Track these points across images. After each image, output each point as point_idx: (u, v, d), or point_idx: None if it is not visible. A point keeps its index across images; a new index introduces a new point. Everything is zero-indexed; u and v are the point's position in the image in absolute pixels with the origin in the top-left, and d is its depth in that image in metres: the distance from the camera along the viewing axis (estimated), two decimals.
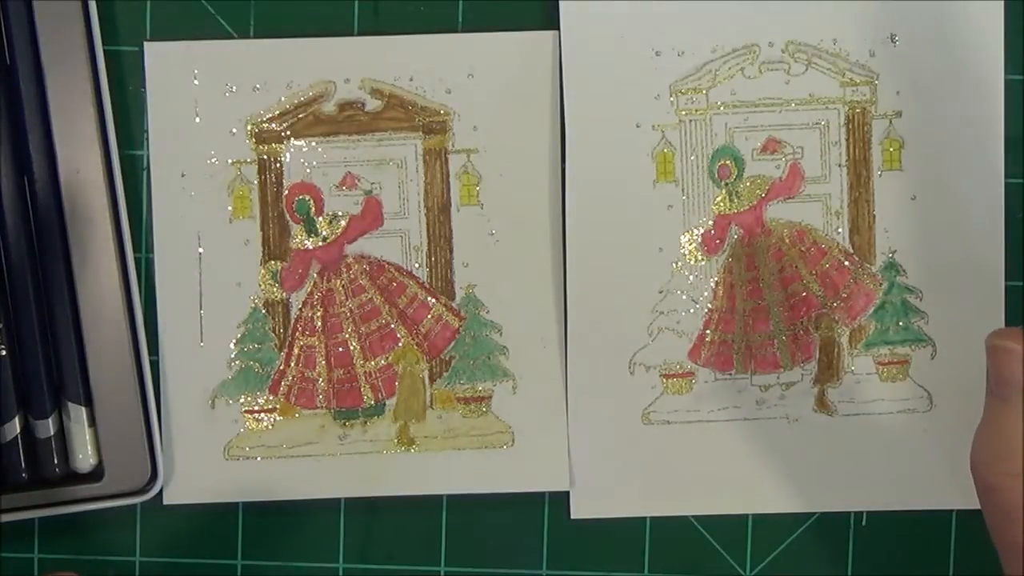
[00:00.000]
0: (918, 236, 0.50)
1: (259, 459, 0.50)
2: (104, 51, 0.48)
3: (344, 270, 0.50)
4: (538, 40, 0.49)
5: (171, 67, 0.49)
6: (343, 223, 0.50)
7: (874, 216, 0.50)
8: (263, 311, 0.50)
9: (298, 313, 0.50)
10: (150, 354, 0.49)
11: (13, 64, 0.47)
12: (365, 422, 0.50)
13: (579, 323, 0.50)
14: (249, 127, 0.49)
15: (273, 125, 0.50)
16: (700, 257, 0.50)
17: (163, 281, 0.50)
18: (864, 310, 0.50)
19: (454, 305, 0.50)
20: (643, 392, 0.50)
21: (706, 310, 0.50)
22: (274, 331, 0.50)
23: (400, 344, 0.50)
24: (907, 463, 0.50)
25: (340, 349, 0.50)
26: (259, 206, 0.50)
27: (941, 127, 0.49)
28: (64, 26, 0.47)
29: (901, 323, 0.50)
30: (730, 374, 0.50)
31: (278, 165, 0.50)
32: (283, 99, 0.49)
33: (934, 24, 0.49)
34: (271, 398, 0.50)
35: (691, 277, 0.50)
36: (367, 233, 0.50)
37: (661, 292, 0.50)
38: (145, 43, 0.49)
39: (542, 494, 0.51)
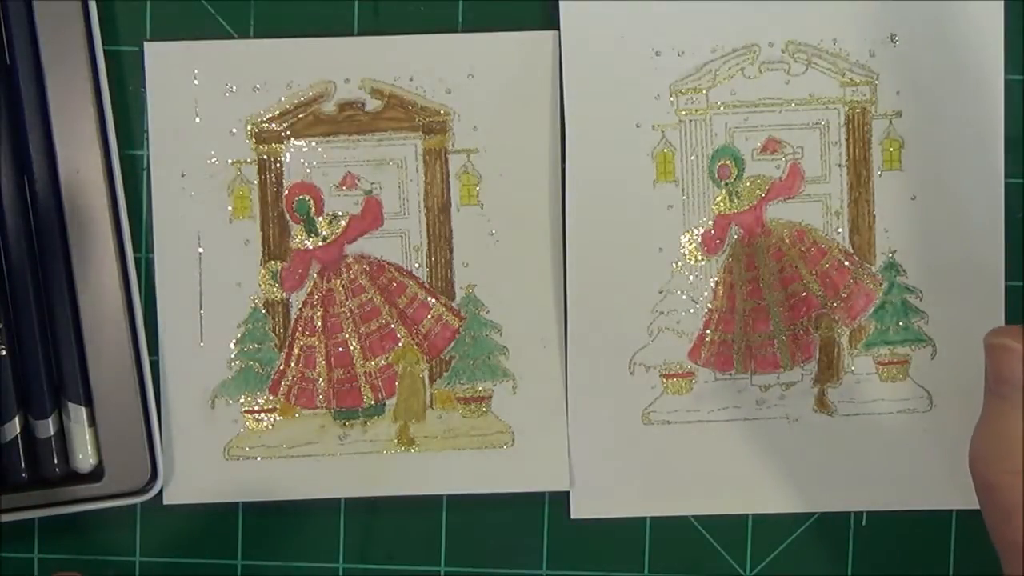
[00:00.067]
0: (918, 236, 0.50)
1: (259, 459, 0.50)
2: (104, 51, 0.48)
3: (344, 270, 0.50)
4: (538, 40, 0.49)
5: (171, 67, 0.49)
6: (343, 223, 0.50)
7: (874, 216, 0.50)
8: (263, 311, 0.50)
9: (298, 313, 0.50)
10: (150, 354, 0.49)
11: (13, 64, 0.47)
12: (365, 422, 0.50)
13: (579, 323, 0.50)
14: (249, 127, 0.49)
15: (273, 125, 0.50)
16: (700, 257, 0.50)
17: (163, 281, 0.50)
18: (864, 310, 0.50)
19: (454, 305, 0.50)
20: (643, 392, 0.50)
21: (706, 310, 0.50)
22: (274, 331, 0.50)
23: (400, 344, 0.50)
24: (907, 463, 0.50)
25: (340, 349, 0.50)
26: (259, 206, 0.50)
27: (941, 127, 0.49)
28: (64, 26, 0.47)
29: (901, 323, 0.50)
30: (730, 374, 0.50)
31: (278, 165, 0.50)
32: (283, 99, 0.49)
33: (934, 24, 0.49)
34: (271, 398, 0.50)
35: (691, 277, 0.50)
36: (367, 233, 0.50)
37: (661, 292, 0.50)
38: (145, 43, 0.49)
39: (542, 494, 0.51)
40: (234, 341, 0.50)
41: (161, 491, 0.49)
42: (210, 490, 0.50)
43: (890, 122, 0.50)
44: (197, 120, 0.49)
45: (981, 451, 0.41)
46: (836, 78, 0.50)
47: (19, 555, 0.51)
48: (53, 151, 0.48)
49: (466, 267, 0.50)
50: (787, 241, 0.50)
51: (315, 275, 0.50)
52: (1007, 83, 0.49)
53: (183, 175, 0.49)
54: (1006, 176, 0.50)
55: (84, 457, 0.48)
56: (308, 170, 0.50)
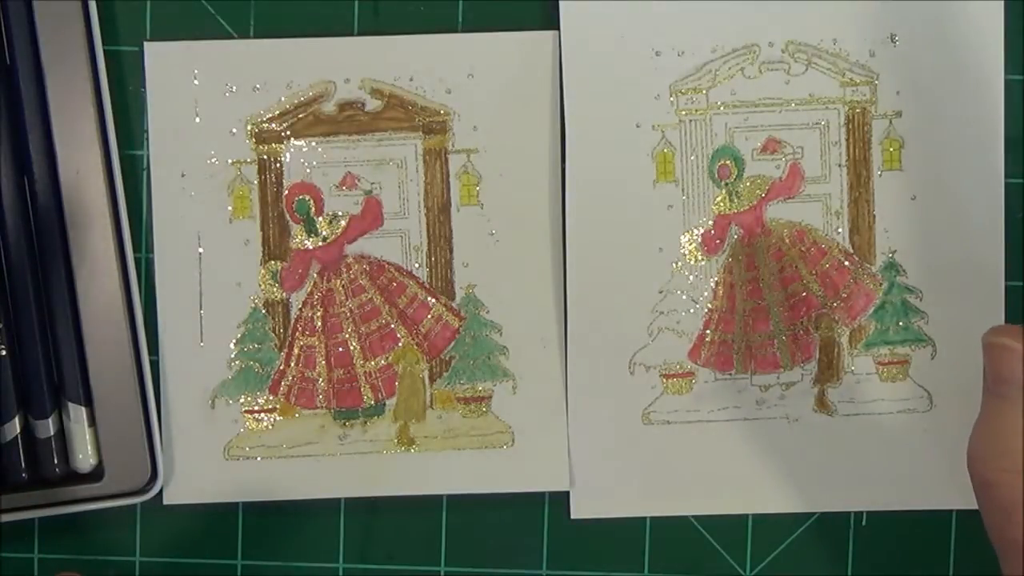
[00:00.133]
0: (918, 236, 0.50)
1: (259, 459, 0.50)
2: (104, 51, 0.48)
3: (344, 270, 0.50)
4: (538, 40, 0.49)
5: (171, 67, 0.49)
6: (343, 223, 0.50)
7: (874, 216, 0.50)
8: (263, 311, 0.50)
9: (298, 313, 0.50)
10: (150, 354, 0.49)
11: (13, 64, 0.47)
12: (365, 422, 0.50)
13: (579, 323, 0.50)
14: (249, 127, 0.49)
15: (273, 125, 0.50)
16: (700, 257, 0.50)
17: (163, 281, 0.50)
18: (864, 310, 0.50)
19: (454, 305, 0.50)
20: (643, 392, 0.50)
21: (706, 310, 0.50)
22: (274, 331, 0.50)
23: (400, 344, 0.50)
24: (907, 463, 0.50)
25: (340, 349, 0.50)
26: (259, 206, 0.50)
27: (941, 127, 0.49)
28: (64, 26, 0.47)
29: (901, 323, 0.50)
30: (730, 374, 0.50)
31: (278, 165, 0.50)
32: (283, 99, 0.49)
33: (934, 24, 0.49)
34: (271, 398, 0.50)
35: (691, 277, 0.50)
36: (367, 233, 0.50)
37: (661, 292, 0.50)
38: (145, 43, 0.49)
39: (542, 494, 0.51)
40: (234, 341, 0.50)
41: (161, 491, 0.49)
42: (210, 490, 0.50)
43: (890, 122, 0.50)
44: (197, 120, 0.49)
45: (980, 450, 0.41)
46: (836, 78, 0.50)
47: (19, 555, 0.51)
48: (53, 151, 0.48)
49: (466, 267, 0.50)
50: (787, 241, 0.50)
51: (315, 275, 0.50)
52: (1007, 83, 0.49)
53: (183, 175, 0.49)
54: (1006, 176, 0.50)
55: (84, 457, 0.48)
56: (308, 170, 0.50)
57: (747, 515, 0.51)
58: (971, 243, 0.50)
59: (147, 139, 0.49)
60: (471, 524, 0.51)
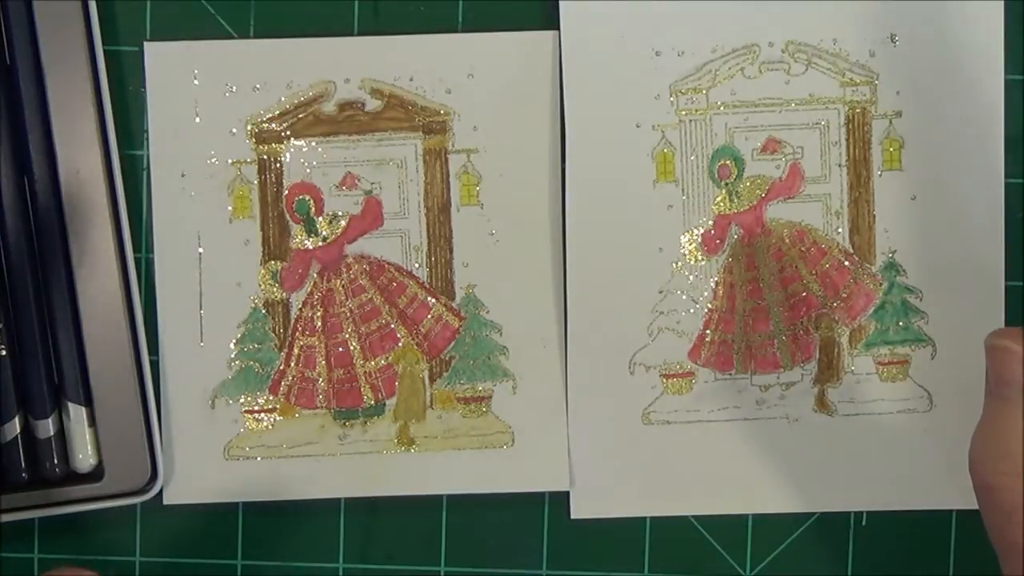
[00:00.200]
0: (918, 236, 0.50)
1: (259, 459, 0.50)
2: (104, 51, 0.48)
3: (344, 270, 0.50)
4: (538, 40, 0.49)
5: (171, 67, 0.49)
6: (343, 223, 0.50)
7: (874, 216, 0.50)
8: (263, 311, 0.50)
9: (298, 313, 0.50)
10: (150, 354, 0.49)
11: (13, 64, 0.47)
12: (365, 422, 0.50)
13: (579, 323, 0.50)
14: (249, 127, 0.49)
15: (273, 125, 0.50)
16: (700, 257, 0.50)
17: (163, 281, 0.50)
18: (864, 310, 0.50)
19: (454, 305, 0.50)
20: (643, 392, 0.50)
21: (706, 310, 0.50)
22: (274, 331, 0.50)
23: (400, 344, 0.50)
24: (907, 463, 0.50)
25: (340, 349, 0.50)
26: (259, 206, 0.50)
27: (941, 127, 0.49)
28: (64, 26, 0.47)
29: (901, 323, 0.50)
30: (730, 374, 0.50)
31: (278, 165, 0.50)
32: (283, 99, 0.49)
33: (934, 24, 0.49)
34: (271, 398, 0.50)
35: (691, 277, 0.50)
36: (367, 233, 0.50)
37: (661, 292, 0.50)
38: (145, 43, 0.49)
39: (542, 494, 0.51)
40: (234, 341, 0.50)
41: (161, 491, 0.49)
42: (210, 490, 0.50)
43: (890, 122, 0.50)
44: (197, 120, 0.49)
45: (981, 452, 0.41)
46: (836, 78, 0.50)
47: (19, 555, 0.51)
48: (53, 151, 0.48)
49: (466, 267, 0.50)
50: (787, 241, 0.50)
51: (315, 275, 0.50)
52: (1007, 83, 0.49)
53: (183, 175, 0.49)
54: (1006, 176, 0.50)
55: (84, 457, 0.48)
56: (308, 170, 0.50)
57: (747, 515, 0.51)
58: (971, 243, 0.50)
59: (147, 139, 0.49)
60: (471, 524, 0.51)
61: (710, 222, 0.50)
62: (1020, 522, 0.40)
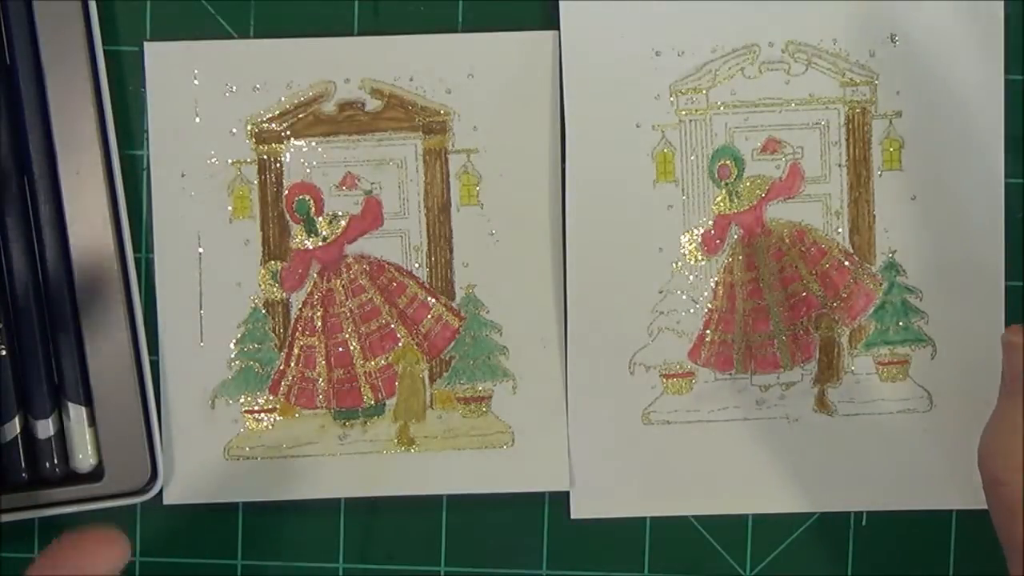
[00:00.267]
0: (918, 236, 0.50)
1: (259, 459, 0.50)
2: (104, 51, 0.48)
3: (344, 270, 0.50)
4: (538, 40, 0.49)
5: (171, 67, 0.49)
6: (343, 223, 0.50)
7: (874, 216, 0.50)
8: (263, 311, 0.50)
9: (298, 313, 0.50)
10: (150, 354, 0.49)
11: (13, 64, 0.47)
12: (365, 422, 0.50)
13: (579, 323, 0.50)
14: (249, 127, 0.49)
15: (273, 125, 0.50)
16: (700, 257, 0.50)
17: (163, 281, 0.50)
18: (864, 310, 0.50)
19: (454, 305, 0.50)
20: (643, 392, 0.50)
21: (706, 310, 0.50)
22: (274, 331, 0.50)
23: (400, 344, 0.50)
24: (907, 463, 0.50)
25: (340, 349, 0.50)
26: (259, 206, 0.50)
27: (941, 127, 0.49)
28: (64, 26, 0.47)
29: (901, 323, 0.50)
30: (730, 374, 0.50)
31: (278, 165, 0.50)
32: (283, 99, 0.49)
33: (934, 24, 0.49)
34: (271, 398, 0.50)
35: (691, 277, 0.50)
36: (367, 233, 0.50)
37: (661, 292, 0.50)
38: (145, 43, 0.49)
39: (542, 494, 0.51)
40: (234, 341, 0.50)
41: (161, 491, 0.49)
42: (210, 490, 0.50)
43: (890, 122, 0.50)
44: (197, 120, 0.49)
45: (991, 447, 0.41)
46: (836, 78, 0.50)
47: (19, 555, 0.51)
48: (53, 151, 0.48)
49: (466, 267, 0.50)
50: (787, 241, 0.50)
51: (315, 275, 0.50)
52: (1007, 83, 0.49)
53: (183, 175, 0.49)
54: (1006, 176, 0.50)
55: (84, 457, 0.48)
56: (308, 170, 0.50)
57: (747, 515, 0.51)
58: (971, 243, 0.50)
59: (147, 139, 0.49)
60: (471, 524, 0.51)
61: (710, 222, 0.50)
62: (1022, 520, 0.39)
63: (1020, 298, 0.50)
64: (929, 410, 0.50)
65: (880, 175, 0.50)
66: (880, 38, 0.49)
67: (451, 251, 0.50)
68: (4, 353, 0.47)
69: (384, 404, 0.50)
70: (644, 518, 0.51)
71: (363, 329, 0.50)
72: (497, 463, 0.50)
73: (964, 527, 0.51)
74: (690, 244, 0.50)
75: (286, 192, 0.50)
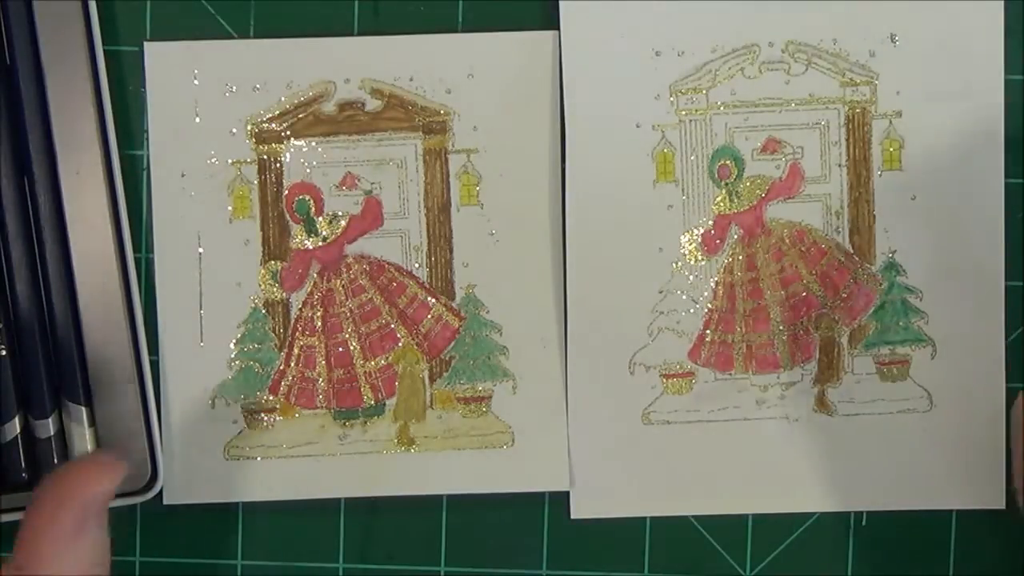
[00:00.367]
0: (918, 236, 0.50)
1: (259, 459, 0.50)
2: (104, 51, 0.48)
3: (344, 270, 0.50)
4: (538, 40, 0.49)
5: (171, 67, 0.49)
6: (343, 223, 0.50)
7: (874, 216, 0.50)
8: (263, 311, 0.50)
9: (298, 313, 0.50)
10: (150, 354, 0.49)
11: (13, 64, 0.47)
12: (365, 422, 0.50)
13: (579, 323, 0.50)
14: (249, 127, 0.49)
15: (273, 125, 0.50)
16: (700, 257, 0.50)
17: (163, 281, 0.50)
18: (864, 310, 0.50)
19: (454, 305, 0.50)
20: (643, 392, 0.50)
21: (706, 310, 0.50)
22: (274, 331, 0.50)
23: (400, 344, 0.50)
24: (907, 463, 0.50)
25: (340, 349, 0.50)
26: (259, 206, 0.50)
27: (941, 127, 0.49)
28: (64, 26, 0.47)
29: (901, 323, 0.50)
30: (730, 374, 0.50)
31: (278, 165, 0.50)
32: (283, 99, 0.49)
33: (934, 24, 0.49)
34: (271, 398, 0.50)
35: (691, 277, 0.50)
36: (367, 233, 0.50)
37: (661, 292, 0.50)
38: (145, 43, 0.49)
39: (542, 494, 0.51)
40: (234, 341, 0.50)
41: (161, 491, 0.49)
42: (210, 490, 0.50)
43: (890, 122, 0.50)
44: (197, 120, 0.49)
45: None
46: (836, 78, 0.50)
47: None
48: (53, 151, 0.48)
49: (466, 267, 0.50)
50: (787, 241, 0.50)
51: (315, 275, 0.50)
52: (1007, 83, 0.49)
53: (183, 175, 0.49)
54: (1006, 176, 0.50)
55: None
56: (308, 170, 0.50)
57: (747, 515, 0.51)
58: (971, 243, 0.50)
59: (147, 139, 0.49)
60: (471, 524, 0.51)
61: (710, 222, 0.50)
62: None
63: (1020, 298, 0.50)
64: (929, 410, 0.50)
65: (880, 175, 0.50)
66: (880, 38, 0.49)
67: (451, 251, 0.50)
68: (4, 353, 0.47)
69: (384, 404, 0.50)
70: (644, 518, 0.51)
71: (363, 329, 0.50)
72: (497, 463, 0.50)
73: (964, 527, 0.51)
74: (690, 244, 0.50)
75: (286, 192, 0.50)
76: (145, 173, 0.50)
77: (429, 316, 0.50)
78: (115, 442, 0.48)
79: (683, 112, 0.50)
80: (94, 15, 0.48)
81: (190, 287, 0.50)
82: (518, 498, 0.50)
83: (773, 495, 0.50)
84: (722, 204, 0.50)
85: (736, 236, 0.50)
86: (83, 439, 0.48)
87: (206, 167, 0.50)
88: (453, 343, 0.50)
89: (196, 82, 0.49)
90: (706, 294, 0.50)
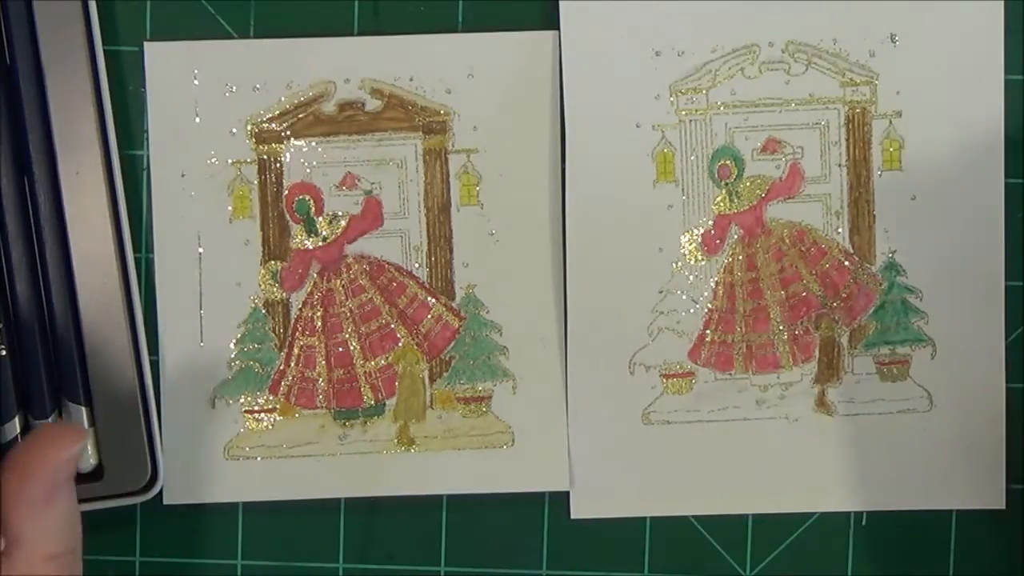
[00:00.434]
0: (918, 236, 0.50)
1: (259, 459, 0.50)
2: (104, 51, 0.48)
3: (344, 270, 0.50)
4: (538, 40, 0.49)
5: (171, 67, 0.49)
6: (343, 223, 0.50)
7: (874, 216, 0.50)
8: (263, 311, 0.50)
9: (298, 313, 0.50)
10: (150, 354, 0.49)
11: (13, 64, 0.47)
12: (365, 422, 0.50)
13: (579, 323, 0.50)
14: (249, 127, 0.50)
15: (273, 125, 0.50)
16: (700, 257, 0.50)
17: (163, 281, 0.50)
18: (864, 310, 0.50)
19: (454, 305, 0.50)
20: (643, 392, 0.50)
21: (706, 310, 0.50)
22: (274, 331, 0.50)
23: (400, 344, 0.50)
24: (907, 463, 0.50)
25: (340, 349, 0.50)
26: (259, 206, 0.50)
27: (941, 127, 0.49)
28: (64, 26, 0.47)
29: (901, 323, 0.50)
30: (730, 374, 0.50)
31: (278, 165, 0.50)
32: (283, 99, 0.49)
33: (934, 24, 0.49)
34: (271, 398, 0.50)
35: (691, 277, 0.50)
36: (367, 233, 0.50)
37: (661, 292, 0.50)
38: (145, 43, 0.49)
39: (542, 494, 0.51)
40: (234, 341, 0.50)
41: (161, 491, 0.49)
42: (210, 490, 0.50)
43: (890, 122, 0.50)
44: (197, 120, 0.49)
45: None
46: (836, 78, 0.50)
47: None
48: (53, 151, 0.48)
49: (466, 267, 0.50)
50: (787, 241, 0.50)
51: (315, 275, 0.50)
52: (1007, 83, 0.49)
53: (183, 175, 0.49)
54: (1006, 176, 0.50)
55: (84, 457, 0.48)
56: (308, 170, 0.50)
57: (747, 515, 0.51)
58: (971, 243, 0.50)
59: (147, 139, 0.49)
60: (471, 524, 0.51)
61: (710, 222, 0.50)
62: None
63: (1020, 298, 0.50)
64: (929, 410, 0.50)
65: (880, 175, 0.50)
66: (880, 38, 0.49)
67: (451, 251, 0.50)
68: (4, 353, 0.47)
69: (384, 404, 0.50)
70: (644, 518, 0.51)
71: (363, 329, 0.50)
72: (497, 463, 0.50)
73: (964, 527, 0.51)
74: (690, 244, 0.50)
75: (286, 192, 0.50)
76: (145, 173, 0.50)
77: (429, 316, 0.50)
78: (115, 442, 0.48)
79: (683, 112, 0.50)
80: (94, 15, 0.48)
81: (190, 287, 0.50)
82: (518, 498, 0.50)
83: (773, 495, 0.50)
84: (722, 204, 0.50)
85: (736, 236, 0.50)
86: None
87: (206, 167, 0.50)
88: (453, 343, 0.50)
89: (196, 82, 0.49)
90: (706, 294, 0.50)
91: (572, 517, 0.50)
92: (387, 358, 0.50)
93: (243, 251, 0.50)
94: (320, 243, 0.50)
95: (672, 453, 0.50)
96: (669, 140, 0.50)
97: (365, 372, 0.50)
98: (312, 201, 0.50)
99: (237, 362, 0.50)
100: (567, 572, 0.51)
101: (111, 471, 0.48)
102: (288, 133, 0.50)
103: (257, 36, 0.50)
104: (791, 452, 0.50)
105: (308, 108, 0.49)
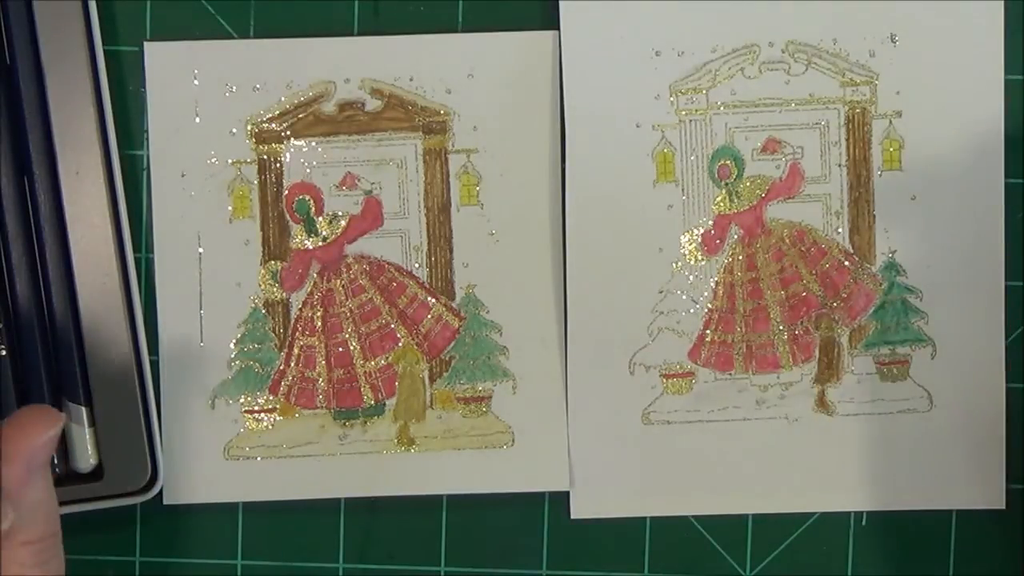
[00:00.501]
0: (918, 236, 0.50)
1: (259, 459, 0.50)
2: (104, 51, 0.48)
3: (344, 270, 0.50)
4: (538, 40, 0.49)
5: (171, 67, 0.49)
6: (343, 223, 0.50)
7: (874, 216, 0.50)
8: (263, 311, 0.50)
9: (298, 313, 0.50)
10: (150, 354, 0.49)
11: (13, 64, 0.47)
12: (365, 422, 0.50)
13: (579, 323, 0.50)
14: (249, 127, 0.50)
15: (273, 125, 0.50)
16: (700, 257, 0.50)
17: (163, 281, 0.50)
18: (864, 310, 0.50)
19: (454, 305, 0.50)
20: (643, 392, 0.50)
21: (706, 310, 0.50)
22: (274, 331, 0.50)
23: (400, 344, 0.50)
24: (907, 463, 0.50)
25: (340, 349, 0.50)
26: (259, 206, 0.50)
27: (941, 127, 0.49)
28: (64, 26, 0.47)
29: (901, 323, 0.50)
30: (730, 374, 0.50)
31: (278, 165, 0.50)
32: (283, 99, 0.49)
33: (934, 24, 0.49)
34: (271, 398, 0.50)
35: (691, 277, 0.50)
36: (367, 233, 0.50)
37: (661, 292, 0.50)
38: (145, 43, 0.49)
39: (542, 494, 0.51)
40: (234, 341, 0.50)
41: (161, 491, 0.49)
42: (210, 490, 0.50)
43: (890, 122, 0.50)
44: (197, 120, 0.49)
45: None
46: (836, 78, 0.50)
47: None
48: (53, 151, 0.48)
49: (466, 267, 0.50)
50: (787, 241, 0.50)
51: (315, 275, 0.50)
52: (1007, 83, 0.49)
53: (183, 175, 0.49)
54: (1006, 176, 0.50)
55: (84, 457, 0.48)
56: (308, 170, 0.50)
57: (747, 515, 0.51)
58: (971, 243, 0.50)
59: (147, 139, 0.49)
60: (471, 524, 0.51)
61: (710, 222, 0.50)
62: None
63: (1020, 298, 0.50)
64: (929, 410, 0.50)
65: (880, 175, 0.50)
66: (880, 38, 0.49)
67: (451, 251, 0.50)
68: (4, 353, 0.47)
69: (384, 404, 0.50)
70: (644, 518, 0.51)
71: (363, 329, 0.50)
72: (497, 463, 0.50)
73: (964, 527, 0.51)
74: (690, 244, 0.50)
75: (286, 192, 0.50)
76: (145, 173, 0.50)
77: (429, 316, 0.50)
78: (115, 442, 0.48)
79: (683, 112, 0.50)
80: (94, 15, 0.48)
81: (190, 287, 0.50)
82: (518, 498, 0.50)
83: (773, 495, 0.50)
84: (722, 204, 0.50)
85: (736, 236, 0.50)
86: (83, 439, 0.48)
87: (206, 167, 0.50)
88: (453, 343, 0.50)
89: (196, 82, 0.49)
90: (706, 294, 0.50)
91: (572, 517, 0.50)
92: (387, 358, 0.50)
93: (243, 251, 0.50)
94: (320, 243, 0.50)
95: (672, 453, 0.50)
96: (669, 140, 0.50)
97: (365, 372, 0.50)
98: (312, 201, 0.50)
99: (237, 362, 0.50)
100: (567, 572, 0.51)
101: (111, 471, 0.48)
102: (288, 133, 0.50)
103: (257, 36, 0.50)
104: (791, 452, 0.50)
105: (308, 108, 0.49)
